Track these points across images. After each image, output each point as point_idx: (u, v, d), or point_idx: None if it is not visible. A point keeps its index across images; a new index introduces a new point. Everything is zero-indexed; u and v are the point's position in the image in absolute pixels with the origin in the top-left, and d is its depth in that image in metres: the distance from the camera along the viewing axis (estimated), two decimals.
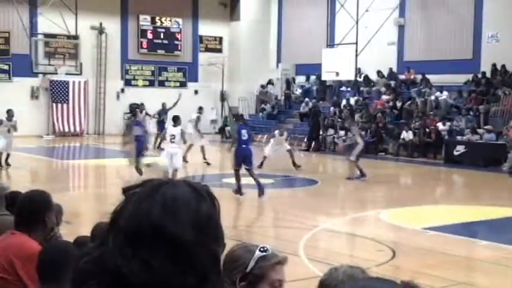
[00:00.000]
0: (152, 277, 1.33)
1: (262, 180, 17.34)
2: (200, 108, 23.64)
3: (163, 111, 25.76)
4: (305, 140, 27.89)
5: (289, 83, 33.46)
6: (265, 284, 2.47)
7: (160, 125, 25.17)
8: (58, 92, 31.11)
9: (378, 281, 1.51)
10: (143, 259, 1.33)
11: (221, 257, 1.45)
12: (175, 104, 24.81)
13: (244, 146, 14.88)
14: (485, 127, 23.32)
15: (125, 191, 1.45)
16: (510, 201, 15.46)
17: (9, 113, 19.11)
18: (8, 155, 18.95)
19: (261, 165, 19.23)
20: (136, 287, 1.32)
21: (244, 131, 15.04)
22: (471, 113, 24.60)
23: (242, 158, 14.83)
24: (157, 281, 1.33)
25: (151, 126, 24.59)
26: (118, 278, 1.33)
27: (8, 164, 18.97)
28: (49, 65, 29.87)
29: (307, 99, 30.88)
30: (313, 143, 27.30)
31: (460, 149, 22.72)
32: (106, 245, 1.36)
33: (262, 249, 2.57)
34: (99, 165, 20.47)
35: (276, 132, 21.22)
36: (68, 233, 6.15)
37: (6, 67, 30.16)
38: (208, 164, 20.58)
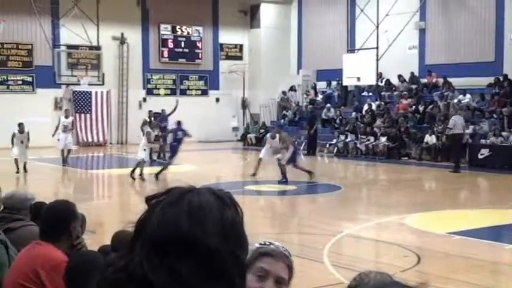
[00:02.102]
0: (180, 286, 1.34)
1: (285, 187, 17.35)
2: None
3: (163, 118, 25.67)
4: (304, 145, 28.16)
5: (315, 89, 33.35)
6: (250, 273, 2.42)
7: (163, 131, 25.17)
8: (81, 103, 31.40)
9: (403, 287, 1.51)
10: (171, 268, 1.34)
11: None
12: (174, 110, 24.84)
13: None
14: (510, 129, 23.10)
15: (148, 200, 1.46)
16: None
17: (21, 127, 20.39)
18: (24, 163, 20.28)
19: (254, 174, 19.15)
20: None
21: None
22: (494, 115, 24.38)
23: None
24: None
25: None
26: (143, 285, 1.33)
27: (25, 171, 20.27)
28: (72, 75, 30.13)
29: (328, 105, 30.83)
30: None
31: (484, 152, 22.53)
32: (133, 255, 1.37)
33: (262, 242, 2.54)
34: (122, 175, 20.58)
35: (268, 135, 20.99)
36: (92, 242, 6.19)
37: (29, 79, 30.51)
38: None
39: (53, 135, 22.77)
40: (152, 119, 24.32)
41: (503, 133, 23.07)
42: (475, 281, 8.82)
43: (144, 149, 19.13)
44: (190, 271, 1.34)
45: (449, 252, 10.56)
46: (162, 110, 26.15)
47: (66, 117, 23.30)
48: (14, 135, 20.22)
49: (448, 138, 22.48)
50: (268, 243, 2.51)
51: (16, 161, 19.94)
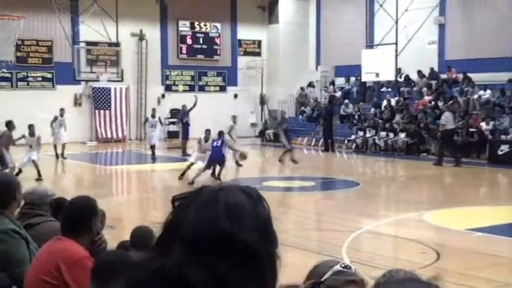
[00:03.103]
0: (220, 284, 1.35)
1: (303, 183, 17.35)
2: (234, 117, 23.79)
3: (184, 114, 25.76)
4: (321, 140, 27.99)
5: (333, 85, 33.26)
6: None
7: (185, 127, 25.29)
8: (100, 99, 31.57)
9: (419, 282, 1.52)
10: (210, 267, 1.35)
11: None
12: (194, 106, 24.97)
13: None
14: None
15: (175, 200, 1.47)
16: None
17: (31, 129, 18.44)
18: (38, 170, 17.91)
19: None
20: None
21: None
22: None
23: None
24: None
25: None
26: (182, 286, 1.35)
27: (39, 176, 17.94)
28: (91, 72, 30.33)
29: (347, 100, 30.74)
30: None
31: (504, 148, 22.35)
32: (168, 255, 1.38)
33: (343, 265, 2.59)
34: (141, 171, 20.69)
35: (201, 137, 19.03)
36: (111, 237, 6.23)
37: (49, 75, 30.73)
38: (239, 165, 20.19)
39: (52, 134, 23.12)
40: (152, 116, 24.41)
41: None
42: (496, 278, 8.77)
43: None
44: (230, 268, 1.36)
45: (469, 249, 10.50)
46: (183, 106, 26.24)
47: (61, 115, 23.90)
48: (23, 137, 18.03)
49: (441, 134, 22.55)
50: (349, 267, 2.56)
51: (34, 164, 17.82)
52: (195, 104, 24.97)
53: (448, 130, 22.08)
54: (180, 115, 26.04)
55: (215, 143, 17.51)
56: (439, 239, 11.28)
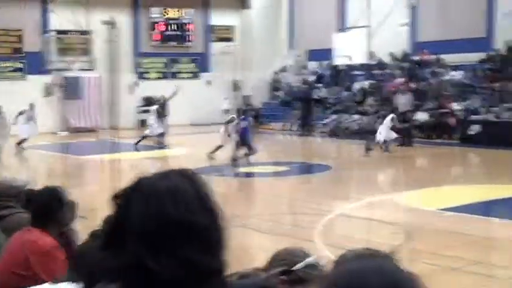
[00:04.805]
0: (182, 269, 1.39)
1: (277, 169, 17.45)
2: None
3: (163, 106, 25.34)
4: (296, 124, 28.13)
5: (306, 69, 33.28)
6: None
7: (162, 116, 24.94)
8: (72, 88, 31.26)
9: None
10: (168, 252, 1.40)
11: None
12: (173, 95, 24.66)
13: None
14: (504, 105, 23.17)
15: (116, 197, 1.50)
16: None
17: None
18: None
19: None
20: (166, 281, 1.37)
21: None
22: (486, 91, 24.43)
23: None
24: (187, 271, 1.39)
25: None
26: (145, 276, 1.37)
27: None
28: (62, 61, 30.02)
29: (320, 85, 30.82)
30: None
31: (475, 128, 22.59)
32: (125, 250, 1.41)
33: (314, 259, 2.61)
34: (114, 160, 20.58)
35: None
36: (83, 228, 6.22)
37: (20, 65, 30.36)
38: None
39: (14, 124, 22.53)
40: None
41: (494, 109, 23.13)
42: (467, 256, 8.91)
43: None
44: (188, 253, 1.41)
45: (441, 229, 10.65)
46: (162, 97, 25.72)
47: (31, 109, 23.45)
48: None
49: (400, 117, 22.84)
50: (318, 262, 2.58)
51: None
52: (174, 94, 24.70)
53: (406, 112, 22.68)
54: (159, 107, 25.07)
55: (242, 124, 18.39)
56: (411, 220, 11.42)
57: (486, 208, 12.35)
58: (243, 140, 18.09)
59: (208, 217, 1.46)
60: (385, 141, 20.36)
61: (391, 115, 20.97)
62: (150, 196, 1.45)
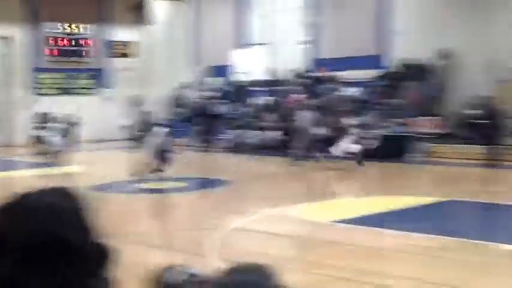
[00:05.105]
0: (55, 286, 1.39)
1: (175, 184, 17.37)
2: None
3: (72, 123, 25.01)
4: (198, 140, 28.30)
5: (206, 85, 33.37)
6: None
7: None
8: None
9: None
10: (43, 271, 1.39)
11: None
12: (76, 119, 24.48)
13: None
14: (394, 120, 24.14)
15: None
16: (415, 190, 16.10)
17: None
18: None
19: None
20: None
21: None
22: (379, 107, 25.33)
23: None
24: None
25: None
26: None
27: None
28: None
29: (220, 100, 30.95)
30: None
31: (371, 142, 23.31)
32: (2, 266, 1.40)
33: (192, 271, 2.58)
34: (5, 178, 19.93)
35: None
36: None
37: None
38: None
39: None
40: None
41: (386, 124, 24.11)
42: (357, 266, 9.10)
43: None
44: (61, 268, 1.40)
45: (332, 240, 10.89)
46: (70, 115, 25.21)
47: None
48: None
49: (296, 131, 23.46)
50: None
51: None
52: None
53: (303, 128, 23.23)
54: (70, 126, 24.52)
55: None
56: (304, 232, 11.63)
57: (378, 219, 12.70)
58: (162, 153, 17.87)
59: (85, 235, 1.46)
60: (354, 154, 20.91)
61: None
62: (29, 213, 1.45)
